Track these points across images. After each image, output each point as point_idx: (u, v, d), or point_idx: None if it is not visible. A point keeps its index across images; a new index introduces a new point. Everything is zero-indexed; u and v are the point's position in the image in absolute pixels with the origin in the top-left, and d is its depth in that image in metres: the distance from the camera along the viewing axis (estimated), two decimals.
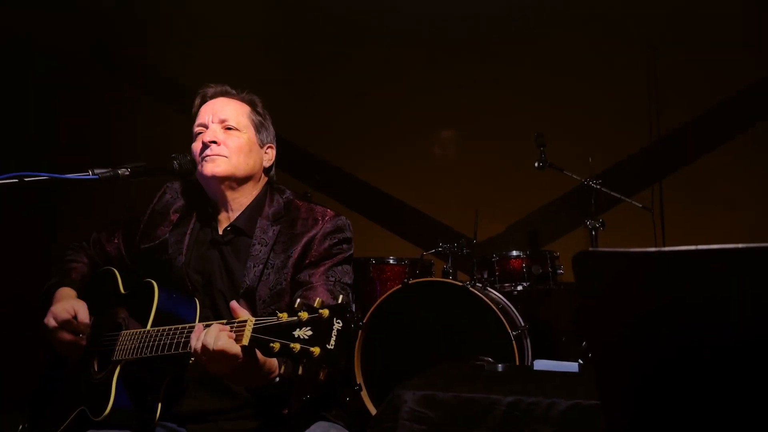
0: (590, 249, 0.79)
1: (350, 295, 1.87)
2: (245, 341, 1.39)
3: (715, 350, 0.77)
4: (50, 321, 1.80)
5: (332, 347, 1.33)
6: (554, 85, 4.63)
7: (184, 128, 2.01)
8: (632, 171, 4.57)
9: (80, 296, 1.92)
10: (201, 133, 1.85)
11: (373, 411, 3.24)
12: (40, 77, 4.74)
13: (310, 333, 1.34)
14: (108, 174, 1.74)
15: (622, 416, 0.88)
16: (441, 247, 3.70)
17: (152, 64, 5.21)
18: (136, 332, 1.68)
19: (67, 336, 1.81)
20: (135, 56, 5.23)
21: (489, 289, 3.59)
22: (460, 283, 3.38)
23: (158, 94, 5.16)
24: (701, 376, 0.79)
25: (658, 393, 0.82)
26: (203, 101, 1.92)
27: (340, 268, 1.84)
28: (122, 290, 1.88)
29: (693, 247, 0.80)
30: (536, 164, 3.68)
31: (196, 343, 1.45)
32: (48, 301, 1.87)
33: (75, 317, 1.80)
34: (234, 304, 1.50)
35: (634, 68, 4.54)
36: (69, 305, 1.82)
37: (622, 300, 0.83)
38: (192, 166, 1.87)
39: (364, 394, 3.37)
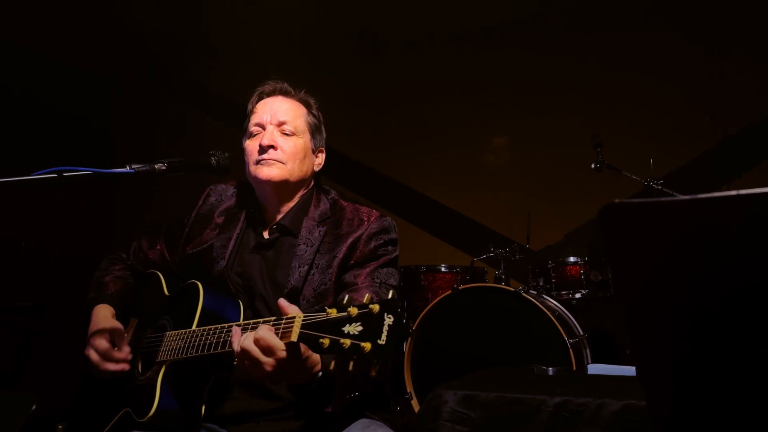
0: (616, 200, 0.71)
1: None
2: (294, 337, 1.36)
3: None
4: (92, 354, 1.75)
5: (383, 342, 1.29)
6: (612, 86, 4.48)
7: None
8: (697, 174, 4.35)
9: (117, 309, 1.89)
10: (258, 134, 1.84)
11: None
12: (106, 102, 4.94)
13: (360, 328, 1.31)
14: (145, 169, 1.74)
15: (666, 408, 0.79)
16: (492, 252, 3.59)
17: (217, 89, 5.37)
18: (181, 332, 1.67)
19: (108, 365, 1.75)
20: (198, 80, 5.40)
21: (544, 296, 3.45)
22: (513, 289, 3.26)
23: (225, 118, 5.31)
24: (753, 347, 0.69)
25: (704, 373, 0.72)
26: (260, 98, 1.91)
27: (385, 270, 1.81)
28: (166, 292, 1.88)
29: (734, 193, 0.70)
30: (593, 165, 3.54)
31: (243, 341, 1.40)
32: (87, 318, 1.85)
33: (115, 344, 1.77)
34: (282, 301, 1.47)
35: (696, 67, 4.34)
36: (107, 335, 1.77)
37: (658, 260, 0.74)
38: (229, 163, 1.83)
39: (414, 402, 3.28)
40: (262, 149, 1.80)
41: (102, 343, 1.75)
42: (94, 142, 4.57)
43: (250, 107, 1.92)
